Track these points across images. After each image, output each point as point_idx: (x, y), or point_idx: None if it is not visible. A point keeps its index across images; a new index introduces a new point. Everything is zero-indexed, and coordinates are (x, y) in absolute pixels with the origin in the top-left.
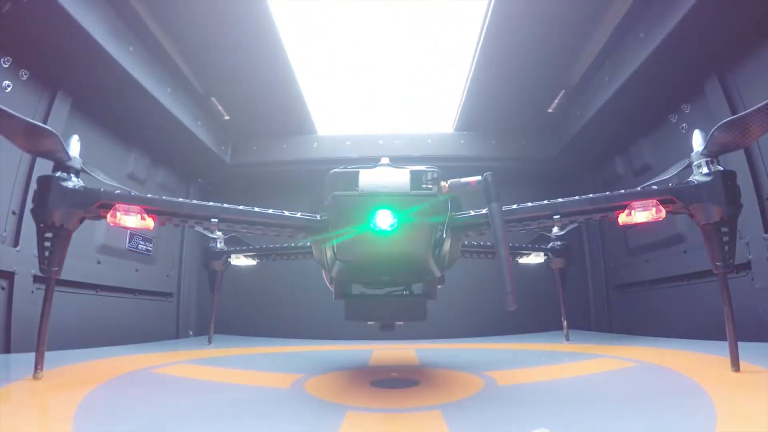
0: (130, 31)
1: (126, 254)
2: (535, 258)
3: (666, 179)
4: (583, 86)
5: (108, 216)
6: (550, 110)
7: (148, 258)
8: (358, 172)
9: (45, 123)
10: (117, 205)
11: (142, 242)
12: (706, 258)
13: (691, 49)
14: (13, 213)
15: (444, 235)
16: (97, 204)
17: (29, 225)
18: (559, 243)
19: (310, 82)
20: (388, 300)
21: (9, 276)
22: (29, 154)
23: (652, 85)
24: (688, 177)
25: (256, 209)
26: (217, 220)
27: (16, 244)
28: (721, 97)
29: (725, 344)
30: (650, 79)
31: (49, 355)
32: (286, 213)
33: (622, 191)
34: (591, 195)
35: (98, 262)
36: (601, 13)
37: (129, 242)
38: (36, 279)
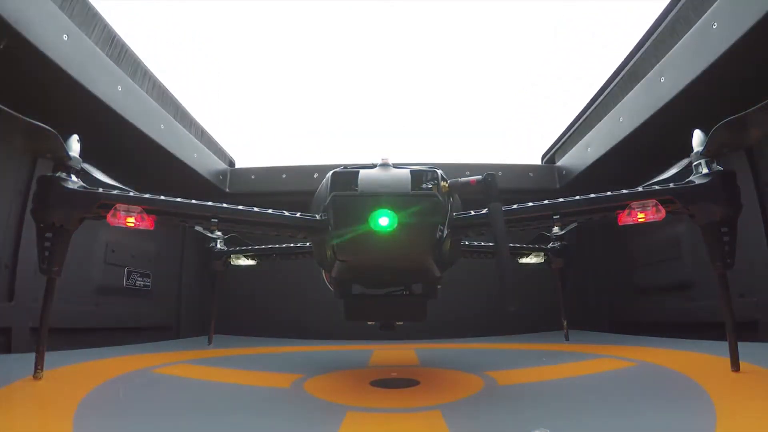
0: (118, 70)
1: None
2: (535, 258)
3: (666, 179)
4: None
5: (108, 216)
6: None
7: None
8: (358, 172)
9: None
10: (117, 205)
11: (139, 278)
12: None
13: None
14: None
15: (444, 235)
16: (97, 204)
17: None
18: (559, 243)
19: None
20: (388, 300)
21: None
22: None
23: None
24: (688, 177)
25: (256, 209)
26: (217, 220)
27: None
28: None
29: (725, 344)
30: None
31: (49, 355)
32: (286, 213)
33: (622, 191)
34: (591, 195)
35: (96, 304)
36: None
37: (126, 280)
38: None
